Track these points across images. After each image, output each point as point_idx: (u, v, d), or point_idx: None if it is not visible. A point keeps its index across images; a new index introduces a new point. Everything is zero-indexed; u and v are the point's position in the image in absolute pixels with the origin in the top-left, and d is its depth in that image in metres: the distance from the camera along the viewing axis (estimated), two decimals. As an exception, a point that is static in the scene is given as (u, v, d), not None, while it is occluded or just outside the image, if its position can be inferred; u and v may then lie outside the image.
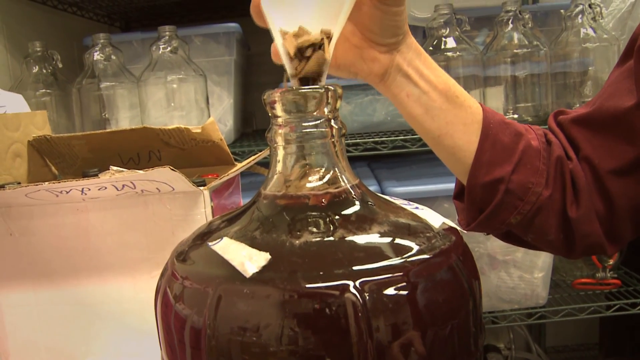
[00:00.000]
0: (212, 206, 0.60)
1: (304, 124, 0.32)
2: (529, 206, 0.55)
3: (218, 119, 1.32)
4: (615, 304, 1.24)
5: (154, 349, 0.60)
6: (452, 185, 1.12)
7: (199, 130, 0.71)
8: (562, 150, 0.57)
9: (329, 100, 0.32)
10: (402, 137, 1.16)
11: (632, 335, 1.51)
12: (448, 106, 0.54)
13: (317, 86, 0.32)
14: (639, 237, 0.60)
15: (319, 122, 0.32)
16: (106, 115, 1.20)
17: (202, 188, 0.58)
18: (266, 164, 0.71)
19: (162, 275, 0.34)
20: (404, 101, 0.54)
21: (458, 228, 0.34)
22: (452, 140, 0.55)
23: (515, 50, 1.20)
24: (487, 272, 1.22)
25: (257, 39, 1.52)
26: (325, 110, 0.32)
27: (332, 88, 0.32)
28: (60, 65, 1.21)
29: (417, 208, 0.34)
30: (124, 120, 1.20)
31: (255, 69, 1.66)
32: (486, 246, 1.20)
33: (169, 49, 1.16)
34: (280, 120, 0.32)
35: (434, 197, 1.12)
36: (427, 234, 0.31)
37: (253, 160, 0.71)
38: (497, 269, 1.22)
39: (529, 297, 1.24)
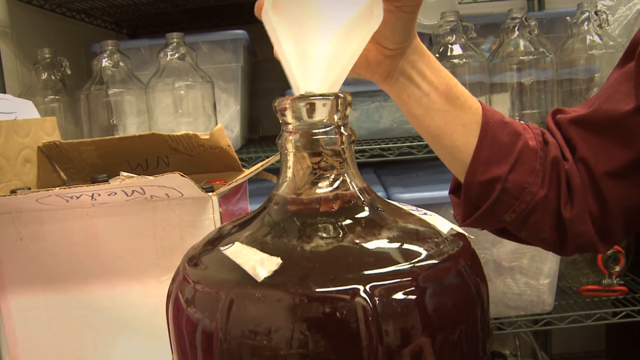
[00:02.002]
0: (220, 212, 0.61)
1: (314, 131, 0.32)
2: (524, 205, 0.56)
3: (225, 126, 1.33)
4: (622, 311, 1.24)
5: (162, 353, 0.60)
6: (458, 192, 1.13)
7: (207, 137, 0.71)
8: (559, 151, 0.58)
9: (339, 108, 0.32)
10: (408, 144, 1.16)
11: (639, 342, 1.50)
12: (448, 107, 0.55)
13: (327, 93, 0.33)
14: None
15: (329, 129, 0.32)
16: (114, 122, 1.21)
17: (210, 194, 0.59)
18: (273, 170, 0.71)
19: (173, 279, 0.34)
20: (405, 101, 0.55)
21: (466, 234, 0.34)
22: (450, 141, 0.56)
23: (521, 57, 1.20)
24: (493, 279, 1.22)
25: (263, 45, 1.52)
26: (335, 117, 0.33)
27: (342, 95, 0.33)
28: (68, 72, 1.22)
29: (425, 214, 0.34)
30: (131, 126, 1.21)
31: (261, 75, 1.67)
32: (492, 252, 1.20)
33: (176, 55, 1.17)
34: (290, 127, 0.33)
35: (440, 203, 1.12)
36: (436, 240, 0.31)
37: (261, 166, 0.71)
38: (503, 275, 1.22)
39: (535, 304, 1.24)
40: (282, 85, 1.32)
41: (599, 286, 1.32)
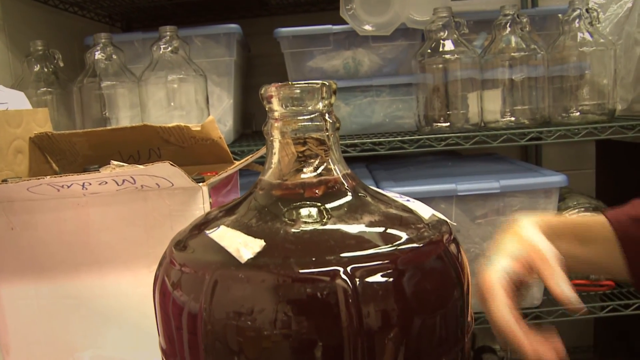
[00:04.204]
0: (210, 202, 0.61)
1: (299, 118, 0.33)
2: None
3: (218, 119, 1.33)
4: (609, 305, 1.25)
5: (152, 342, 0.61)
6: (449, 186, 1.14)
7: (198, 129, 0.72)
8: None
9: (324, 95, 0.33)
10: (400, 138, 1.17)
11: (626, 337, 1.52)
12: (582, 248, 0.56)
13: (312, 81, 0.33)
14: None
15: (314, 116, 0.33)
16: (107, 114, 1.21)
17: (201, 184, 0.59)
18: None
19: (160, 264, 0.35)
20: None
21: (447, 220, 0.35)
22: (604, 270, 0.59)
23: (512, 54, 1.21)
24: (483, 273, 1.22)
25: (257, 40, 1.53)
26: (320, 105, 0.33)
27: (327, 83, 0.33)
28: (61, 64, 1.22)
29: (408, 200, 0.35)
30: (124, 119, 1.21)
31: (255, 70, 1.68)
32: (482, 247, 1.21)
33: (169, 49, 1.17)
34: (276, 114, 0.33)
35: (431, 197, 1.13)
36: (417, 225, 0.32)
37: (251, 157, 0.72)
38: (493, 269, 1.22)
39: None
40: (275, 80, 1.32)
41: (586, 281, 1.33)
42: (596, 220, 0.58)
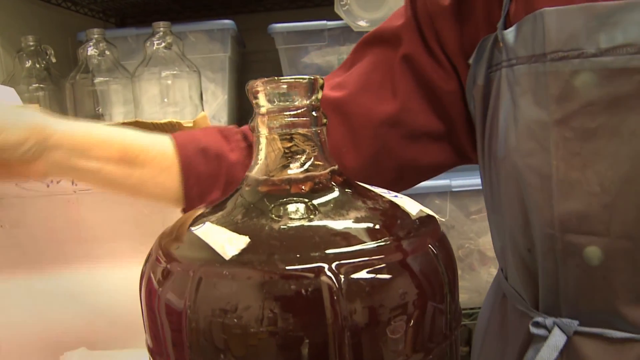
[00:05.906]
0: (202, 198, 0.61)
1: (286, 113, 0.33)
2: None
3: (212, 116, 1.33)
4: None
5: (143, 338, 0.60)
6: (443, 182, 1.14)
7: (190, 124, 0.72)
8: None
9: (311, 91, 0.33)
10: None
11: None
12: (130, 171, 0.51)
13: (299, 76, 0.33)
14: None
15: (300, 111, 0.33)
16: (100, 111, 1.20)
17: (191, 180, 0.59)
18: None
19: (146, 261, 0.35)
20: (84, 182, 0.52)
21: (436, 216, 0.34)
22: (153, 195, 0.54)
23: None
24: (477, 268, 1.22)
25: (252, 36, 1.53)
26: (307, 100, 0.33)
27: (314, 78, 0.33)
28: (53, 60, 1.21)
29: (396, 196, 0.35)
30: (118, 115, 1.21)
31: (250, 67, 1.67)
32: (477, 242, 1.21)
33: (163, 45, 1.17)
34: (263, 109, 0.33)
35: (426, 193, 1.13)
36: (404, 220, 0.32)
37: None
38: (487, 265, 1.23)
39: (518, 294, 1.25)
40: (270, 76, 1.31)
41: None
42: (158, 142, 0.53)
